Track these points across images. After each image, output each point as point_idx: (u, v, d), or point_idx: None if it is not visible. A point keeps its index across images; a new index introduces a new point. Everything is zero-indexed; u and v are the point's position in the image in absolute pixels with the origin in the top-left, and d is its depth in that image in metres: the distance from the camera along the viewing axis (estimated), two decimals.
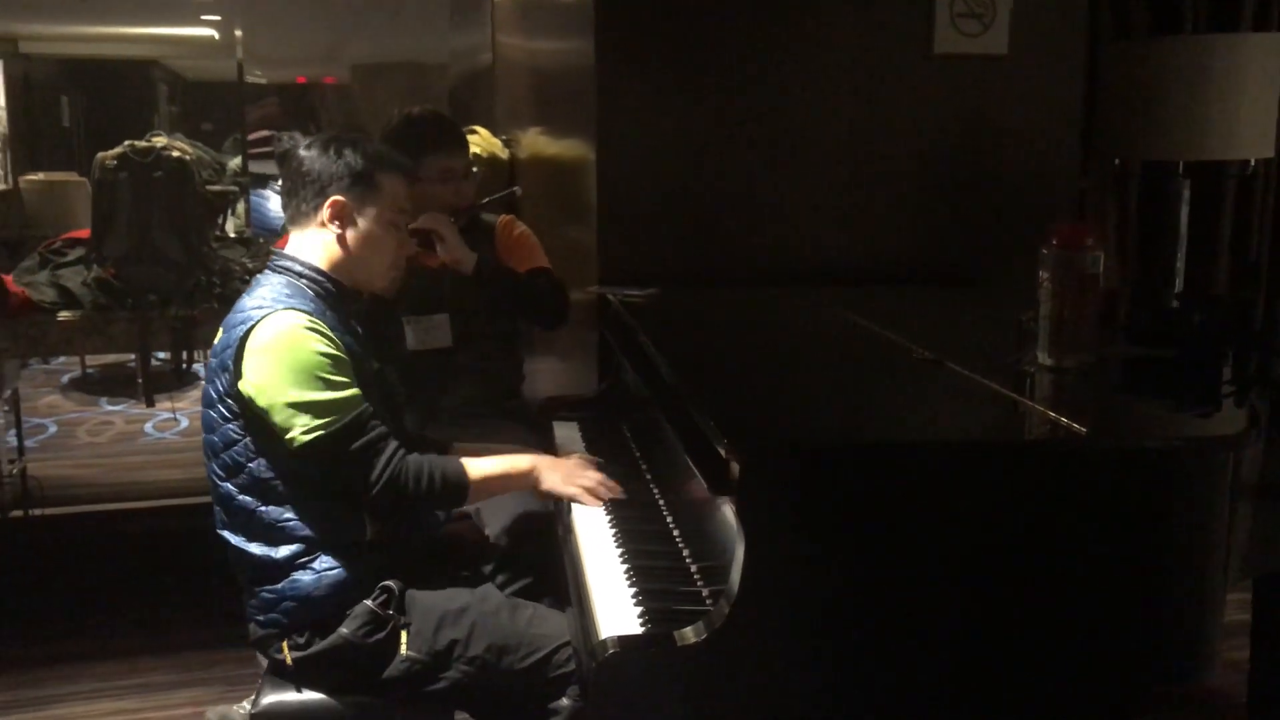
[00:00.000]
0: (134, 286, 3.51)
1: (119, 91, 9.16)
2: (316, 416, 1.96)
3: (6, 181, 7.56)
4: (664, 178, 2.97)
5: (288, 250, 2.14)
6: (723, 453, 1.56)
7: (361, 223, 2.13)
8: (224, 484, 2.07)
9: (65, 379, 6.90)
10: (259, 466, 2.03)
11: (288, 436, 1.97)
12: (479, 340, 2.92)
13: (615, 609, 1.76)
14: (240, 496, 2.06)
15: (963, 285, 3.07)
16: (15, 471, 4.72)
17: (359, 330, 2.20)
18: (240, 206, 4.52)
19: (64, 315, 3.50)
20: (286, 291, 2.06)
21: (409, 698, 2.09)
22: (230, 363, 2.00)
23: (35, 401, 6.41)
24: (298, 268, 2.11)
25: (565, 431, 2.67)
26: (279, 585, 2.05)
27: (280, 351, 1.96)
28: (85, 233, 3.64)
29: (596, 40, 2.88)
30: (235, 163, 5.84)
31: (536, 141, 3.78)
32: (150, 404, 3.81)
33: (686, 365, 2.04)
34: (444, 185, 2.77)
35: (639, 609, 1.74)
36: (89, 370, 6.89)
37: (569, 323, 2.93)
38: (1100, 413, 1.84)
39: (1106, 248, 3.86)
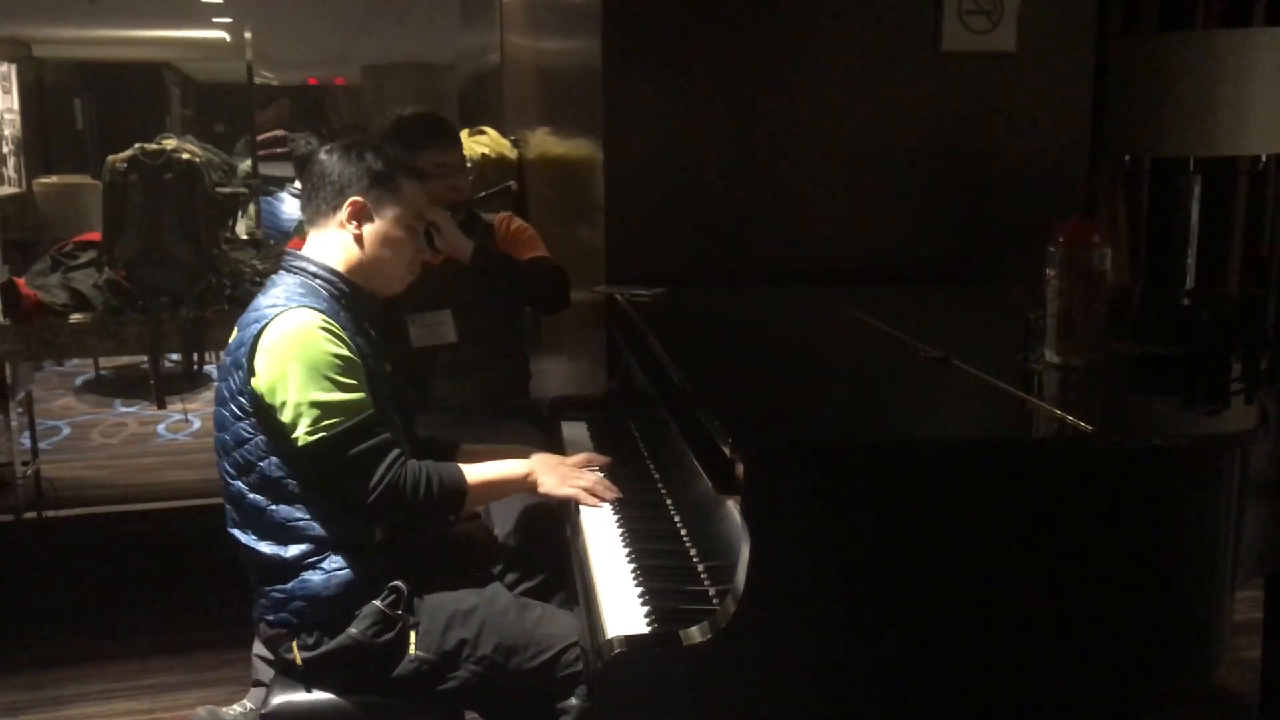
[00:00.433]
0: (145, 288, 3.52)
1: (131, 94, 9.21)
2: (322, 417, 1.96)
3: (20, 184, 7.60)
4: (671, 177, 2.98)
5: (304, 251, 2.15)
6: (728, 452, 1.56)
7: (380, 225, 2.14)
8: (235, 482, 2.08)
9: (79, 381, 6.93)
10: (270, 465, 2.04)
11: (293, 435, 1.97)
12: (483, 336, 2.93)
13: (622, 608, 1.76)
14: (251, 495, 2.07)
15: (971, 283, 3.06)
16: (29, 473, 4.75)
17: (372, 332, 2.20)
18: (251, 208, 4.53)
19: (76, 318, 3.52)
20: (301, 291, 2.07)
21: (418, 697, 2.09)
22: (244, 360, 2.01)
23: (49, 403, 6.44)
24: (312, 268, 2.12)
25: (573, 431, 2.67)
26: (288, 585, 2.06)
27: (293, 349, 1.97)
28: (97, 235, 3.66)
29: (603, 40, 2.89)
30: (246, 165, 5.85)
31: (544, 141, 3.79)
32: (162, 405, 3.82)
33: (693, 365, 2.04)
34: (439, 180, 2.79)
35: (645, 608, 1.75)
36: (102, 372, 6.92)
37: (569, 307, 2.94)
38: (1106, 411, 1.83)
39: (1117, 245, 3.85)
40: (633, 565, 1.91)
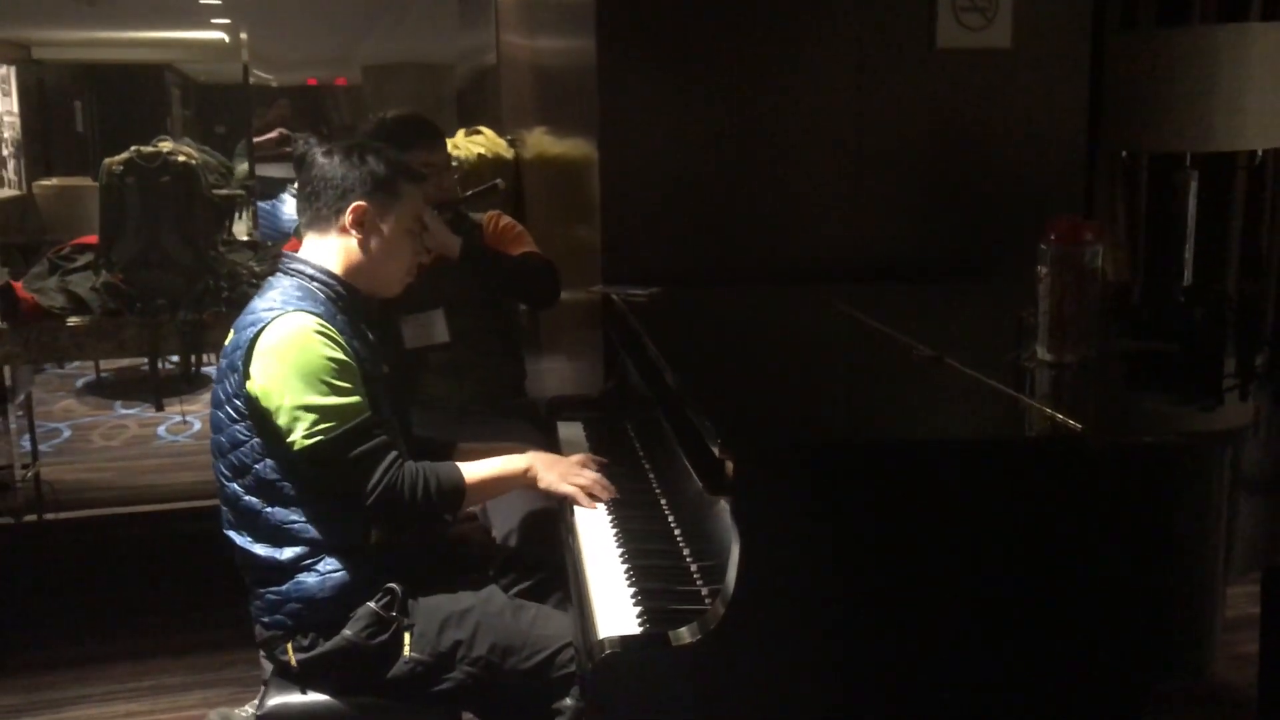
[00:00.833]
0: (142, 291, 3.51)
1: (131, 96, 9.20)
2: (318, 421, 1.97)
3: (20, 187, 7.61)
4: (667, 176, 2.98)
5: (301, 253, 2.15)
6: (717, 453, 1.56)
7: (382, 229, 2.14)
8: (231, 484, 2.09)
9: (80, 383, 6.94)
10: (265, 468, 2.04)
11: (289, 439, 1.98)
12: (476, 335, 2.93)
13: (614, 609, 1.76)
14: (246, 497, 2.07)
15: (967, 280, 3.06)
16: (29, 476, 4.75)
17: (369, 334, 2.21)
18: (248, 210, 4.53)
19: (74, 321, 3.52)
20: (298, 294, 2.07)
21: (413, 699, 2.10)
22: (239, 363, 2.01)
23: (50, 406, 6.44)
24: (310, 271, 2.12)
25: (570, 431, 2.68)
26: (284, 587, 2.06)
27: (288, 353, 1.97)
28: (94, 238, 3.66)
29: (598, 38, 2.89)
30: (244, 167, 5.86)
31: (540, 141, 3.79)
32: (160, 408, 3.82)
33: (686, 365, 2.05)
34: (426, 180, 2.79)
35: (638, 609, 1.75)
36: (103, 374, 6.93)
37: (559, 301, 2.94)
38: (1097, 409, 1.83)
39: (1115, 241, 3.84)
40: (626, 565, 1.91)
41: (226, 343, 2.11)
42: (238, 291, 3.61)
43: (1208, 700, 2.87)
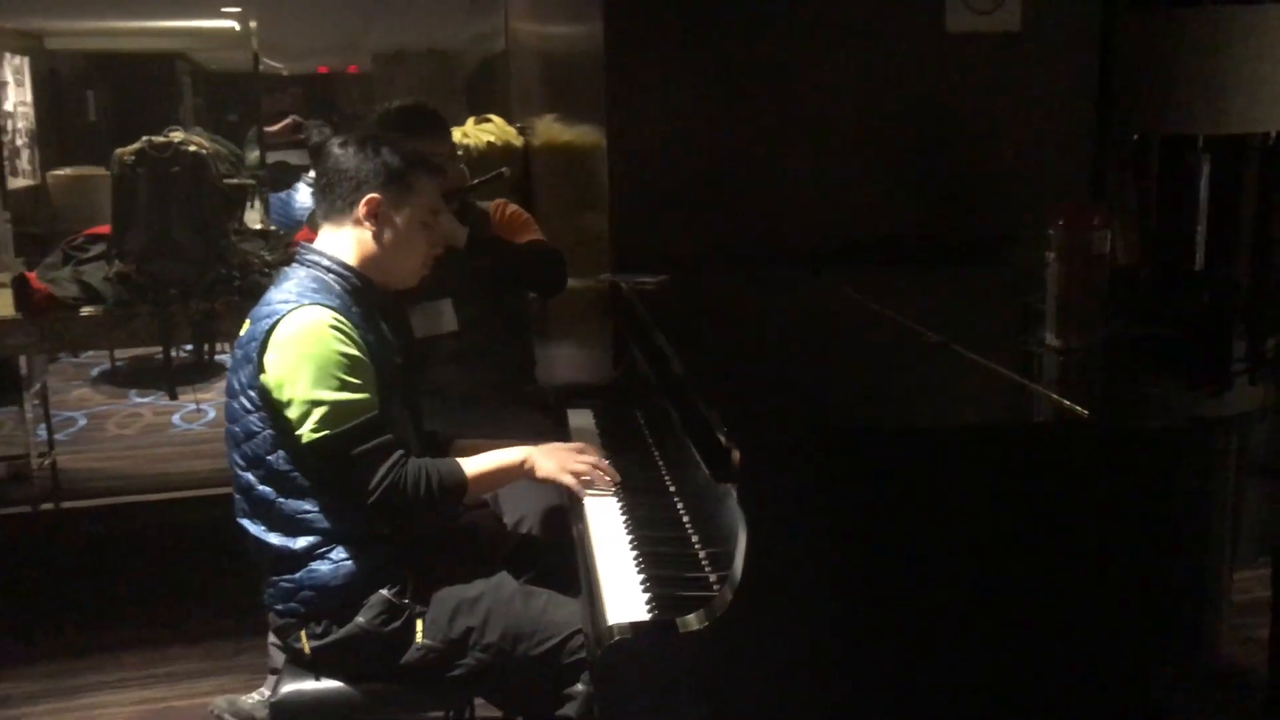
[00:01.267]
0: (155, 281, 3.53)
1: (144, 85, 9.22)
2: (327, 416, 1.98)
3: (35, 177, 7.64)
4: (675, 162, 2.98)
5: (317, 244, 2.16)
6: (724, 441, 1.57)
7: (396, 221, 2.15)
8: (245, 474, 2.10)
9: (95, 372, 6.97)
10: (278, 459, 2.06)
11: (298, 432, 1.99)
12: (484, 323, 2.94)
13: (623, 595, 1.77)
14: (260, 487, 2.08)
15: (976, 265, 3.05)
16: (46, 464, 4.79)
17: (383, 325, 2.21)
18: (259, 199, 4.54)
19: (87, 311, 3.54)
20: (313, 286, 2.08)
21: (426, 685, 2.12)
22: (254, 355, 2.03)
23: (65, 394, 6.48)
24: (325, 262, 2.13)
25: (580, 418, 2.68)
26: (297, 575, 2.08)
27: (302, 347, 1.99)
28: (107, 228, 3.67)
29: (605, 24, 2.88)
30: (256, 155, 5.87)
31: (550, 128, 3.78)
32: (174, 397, 3.85)
33: (692, 353, 2.05)
34: (442, 173, 2.80)
35: (646, 595, 1.76)
36: (118, 363, 6.96)
37: (566, 288, 2.94)
38: (1101, 395, 1.83)
39: (1127, 224, 3.83)
40: (635, 552, 1.92)
41: (242, 333, 2.12)
42: (249, 280, 3.63)
43: (1219, 683, 2.87)
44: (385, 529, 2.08)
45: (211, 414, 6.06)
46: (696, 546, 1.92)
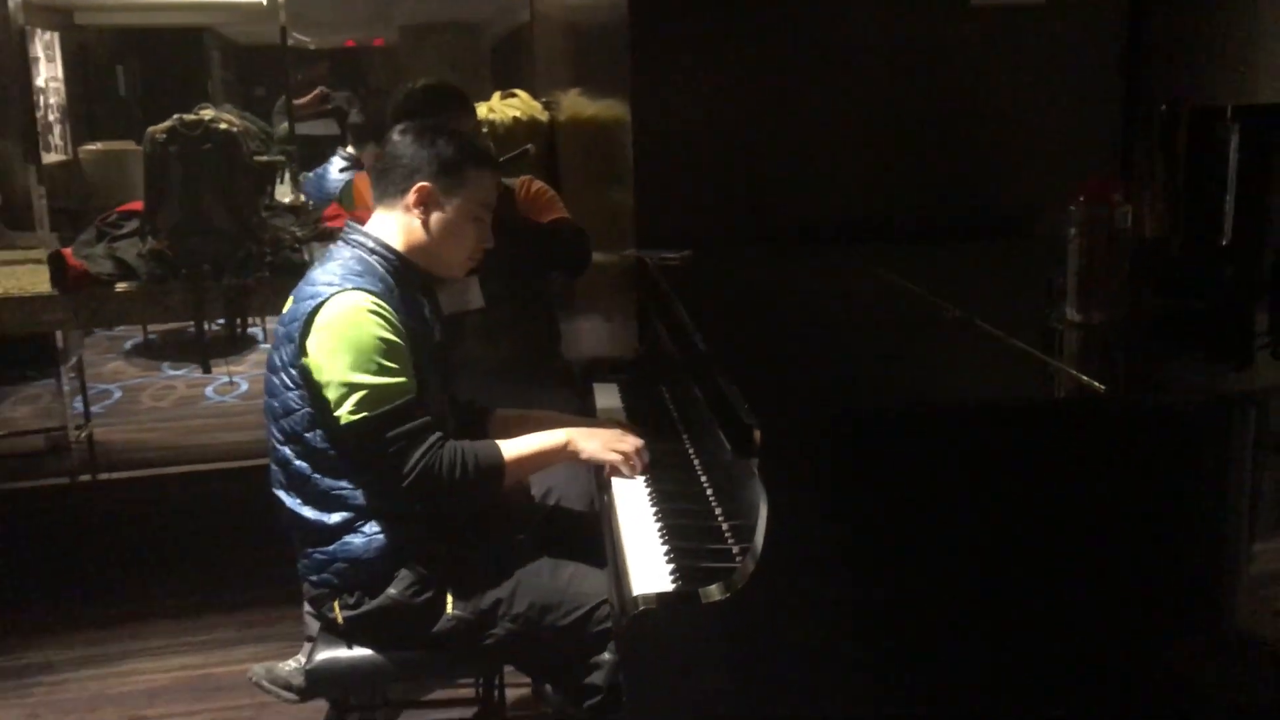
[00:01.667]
0: (187, 258, 3.59)
1: (172, 59, 9.27)
2: (364, 400, 2.02)
3: (66, 152, 7.71)
4: (700, 136, 2.98)
5: (368, 226, 2.20)
6: (745, 420, 1.60)
7: (445, 212, 2.17)
8: (282, 448, 2.15)
9: (128, 345, 7.07)
10: (315, 437, 2.10)
11: (336, 413, 2.04)
12: (510, 299, 2.96)
13: (647, 567, 1.80)
14: (297, 462, 2.13)
15: (1001, 239, 3.05)
16: (82, 437, 4.88)
17: (425, 304, 2.25)
18: (288, 174, 4.58)
19: (121, 287, 3.60)
20: (357, 269, 2.11)
21: (456, 654, 2.17)
22: (296, 335, 2.07)
23: (100, 367, 6.58)
24: (371, 243, 2.17)
25: (605, 392, 2.72)
26: (330, 547, 2.13)
27: (342, 331, 2.02)
28: (140, 205, 3.73)
29: None
30: (284, 127, 5.91)
31: (575, 103, 3.80)
32: (207, 370, 3.91)
33: (715, 330, 2.07)
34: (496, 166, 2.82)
35: (670, 566, 1.79)
36: (150, 336, 7.06)
37: (590, 267, 2.96)
38: (1121, 370, 1.84)
39: (1154, 196, 3.80)
40: (659, 524, 1.96)
41: (285, 310, 2.16)
42: (280, 256, 3.68)
43: (1244, 655, 2.88)
44: (420, 509, 2.12)
45: (244, 386, 6.14)
46: (720, 518, 1.95)
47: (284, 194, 4.61)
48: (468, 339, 2.98)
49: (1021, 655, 1.62)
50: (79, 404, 5.05)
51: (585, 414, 2.64)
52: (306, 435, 2.10)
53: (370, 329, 2.03)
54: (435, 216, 2.17)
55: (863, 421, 1.59)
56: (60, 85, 7.78)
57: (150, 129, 3.62)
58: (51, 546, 4.10)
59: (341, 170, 5.32)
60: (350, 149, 5.46)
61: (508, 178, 3.09)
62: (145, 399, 6.09)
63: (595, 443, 2.20)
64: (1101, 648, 1.61)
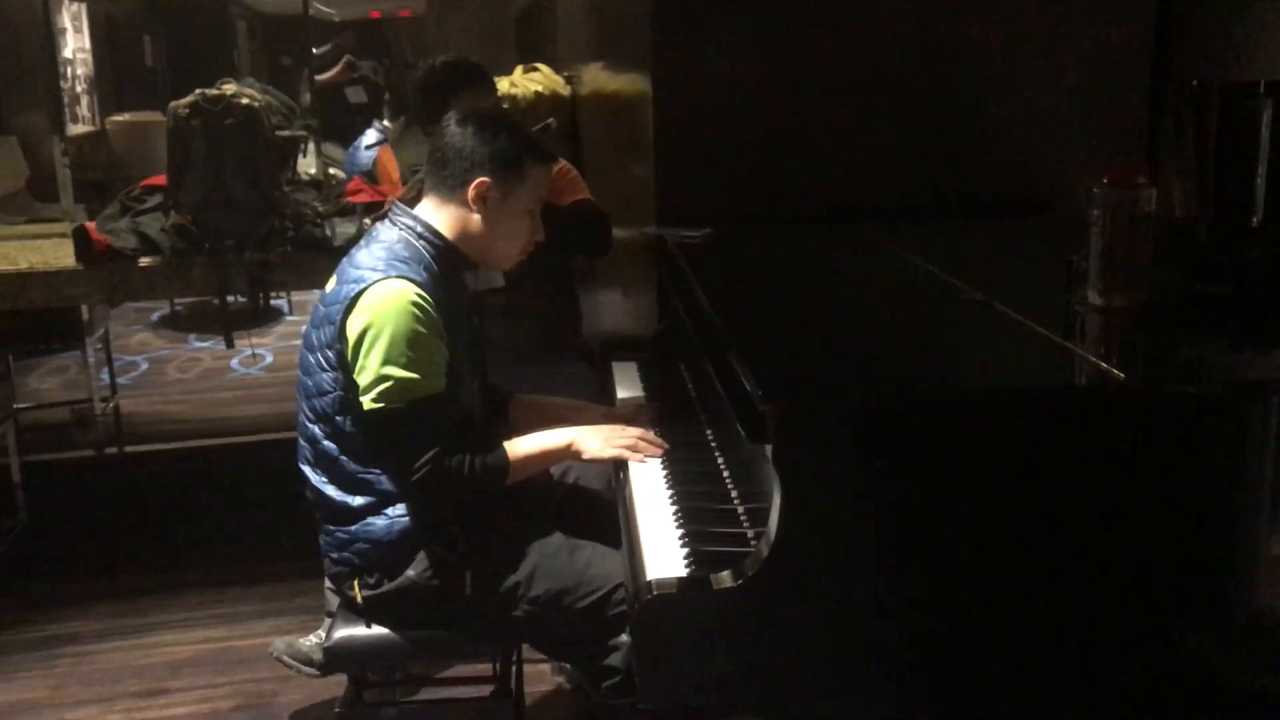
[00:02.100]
0: (210, 232, 3.60)
1: (198, 29, 9.29)
2: (388, 391, 2.02)
3: (94, 123, 7.75)
4: (722, 112, 2.94)
5: (419, 211, 2.19)
6: (758, 405, 1.59)
7: (502, 207, 2.17)
8: (312, 426, 2.17)
9: (155, 316, 7.11)
10: (345, 422, 2.11)
11: (360, 399, 2.04)
12: (531, 279, 2.96)
13: (662, 551, 1.80)
14: (325, 442, 2.15)
15: (1027, 217, 3.01)
16: (108, 409, 4.92)
17: (466, 280, 2.27)
18: (311, 148, 4.57)
19: (144, 261, 3.61)
20: (404, 254, 2.11)
21: (474, 635, 2.18)
22: (336, 318, 2.08)
23: (127, 339, 6.63)
24: (419, 228, 2.16)
25: (624, 371, 2.71)
26: (352, 527, 2.14)
27: (382, 319, 2.02)
28: (163, 179, 3.74)
29: None
30: (309, 99, 5.91)
31: (597, 77, 3.77)
32: (230, 345, 3.93)
33: (731, 311, 2.06)
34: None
35: (685, 550, 1.79)
36: (177, 307, 7.10)
37: (610, 250, 2.94)
38: (1140, 357, 1.82)
39: (1183, 174, 3.75)
40: (675, 507, 1.96)
41: (327, 289, 2.17)
42: (302, 231, 3.68)
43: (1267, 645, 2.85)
44: (427, 501, 2.13)
45: (269, 358, 6.17)
46: (736, 502, 1.95)
47: (308, 167, 4.61)
48: (489, 319, 2.98)
49: (1035, 645, 1.61)
50: (105, 376, 5.09)
51: (604, 394, 2.64)
52: (338, 418, 2.12)
53: (408, 322, 2.03)
54: (493, 212, 2.17)
55: (876, 407, 1.57)
56: (88, 56, 7.81)
57: (172, 104, 3.62)
58: (77, 519, 4.15)
59: (369, 146, 5.33)
60: (386, 122, 5.47)
61: None
62: (171, 371, 6.14)
63: (597, 442, 2.20)
64: (1117, 638, 1.60)
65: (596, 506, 2.41)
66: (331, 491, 2.15)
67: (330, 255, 3.43)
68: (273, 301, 6.55)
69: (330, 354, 2.10)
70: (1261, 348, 1.80)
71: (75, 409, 4.99)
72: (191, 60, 8.92)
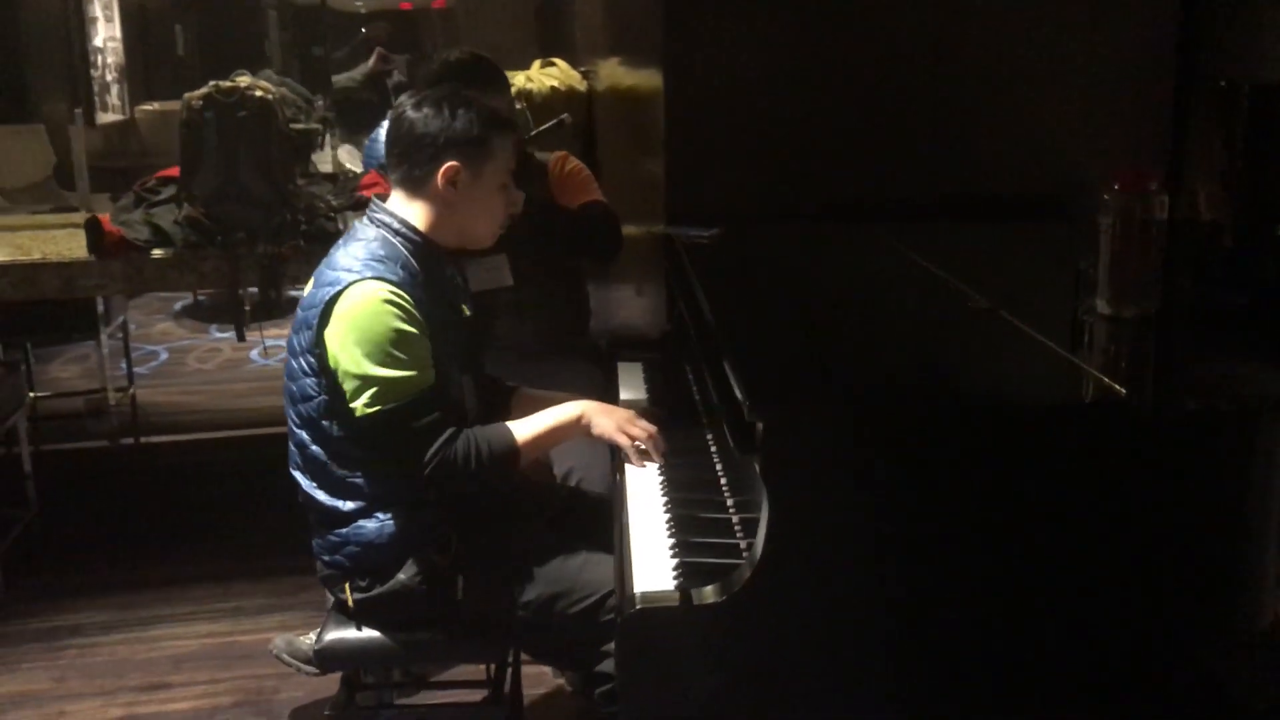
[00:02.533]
0: (223, 225, 3.58)
1: (230, 19, 9.32)
2: (380, 393, 1.99)
3: (124, 112, 7.78)
4: (734, 109, 2.90)
5: (390, 205, 2.15)
6: (746, 415, 1.55)
7: (475, 187, 2.12)
8: (299, 431, 2.14)
9: (178, 306, 7.13)
10: (331, 426, 2.09)
11: (352, 405, 2.01)
12: (540, 278, 2.92)
13: (650, 562, 1.77)
14: (313, 447, 2.12)
15: (1046, 220, 2.95)
16: (125, 399, 4.92)
17: (456, 277, 2.23)
18: (328, 140, 4.55)
19: (157, 253, 3.61)
20: (380, 253, 2.07)
21: (466, 640, 2.15)
22: (314, 321, 2.05)
23: (149, 328, 6.65)
24: (395, 224, 2.12)
25: (630, 371, 2.68)
26: (343, 531, 2.12)
27: (359, 321, 1.99)
28: (177, 171, 3.73)
29: None
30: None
31: (611, 73, 3.73)
32: (242, 338, 3.92)
33: (730, 316, 2.02)
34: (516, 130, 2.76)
35: (674, 561, 1.76)
36: (200, 297, 7.11)
37: (621, 254, 2.91)
38: (1144, 372, 1.76)
39: (1210, 177, 3.67)
40: (668, 515, 1.93)
41: (306, 291, 2.13)
42: (315, 225, 3.66)
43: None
44: (434, 497, 2.10)
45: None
46: (731, 511, 1.91)
47: (326, 160, 4.59)
48: (498, 317, 2.94)
49: (1026, 663, 1.56)
50: (123, 366, 5.10)
51: (609, 394, 2.60)
52: (323, 423, 2.09)
53: (386, 320, 1.99)
54: (465, 193, 2.12)
55: (869, 420, 1.53)
56: (118, 45, 7.84)
57: (186, 95, 3.61)
58: (88, 510, 4.15)
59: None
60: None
61: (543, 151, 3.03)
62: (191, 361, 6.15)
63: (610, 421, 2.17)
64: (1118, 661, 1.55)
65: (596, 511, 2.38)
66: (321, 496, 2.13)
67: None
68: (290, 293, 6.55)
69: (311, 359, 2.06)
70: (1274, 362, 1.75)
71: (89, 399, 4.99)
72: (222, 50, 8.94)
